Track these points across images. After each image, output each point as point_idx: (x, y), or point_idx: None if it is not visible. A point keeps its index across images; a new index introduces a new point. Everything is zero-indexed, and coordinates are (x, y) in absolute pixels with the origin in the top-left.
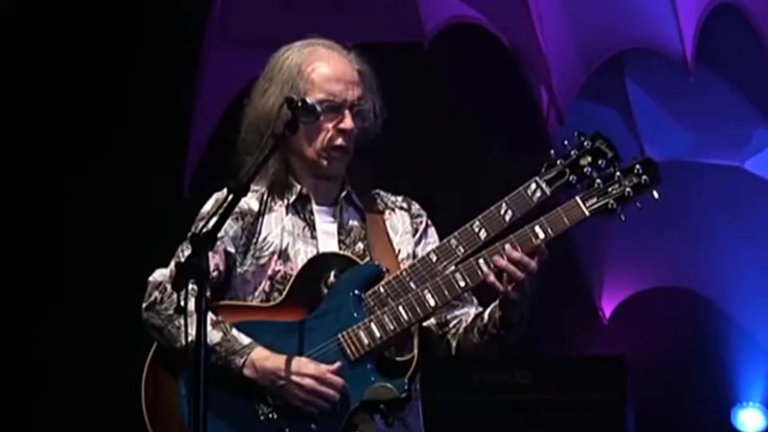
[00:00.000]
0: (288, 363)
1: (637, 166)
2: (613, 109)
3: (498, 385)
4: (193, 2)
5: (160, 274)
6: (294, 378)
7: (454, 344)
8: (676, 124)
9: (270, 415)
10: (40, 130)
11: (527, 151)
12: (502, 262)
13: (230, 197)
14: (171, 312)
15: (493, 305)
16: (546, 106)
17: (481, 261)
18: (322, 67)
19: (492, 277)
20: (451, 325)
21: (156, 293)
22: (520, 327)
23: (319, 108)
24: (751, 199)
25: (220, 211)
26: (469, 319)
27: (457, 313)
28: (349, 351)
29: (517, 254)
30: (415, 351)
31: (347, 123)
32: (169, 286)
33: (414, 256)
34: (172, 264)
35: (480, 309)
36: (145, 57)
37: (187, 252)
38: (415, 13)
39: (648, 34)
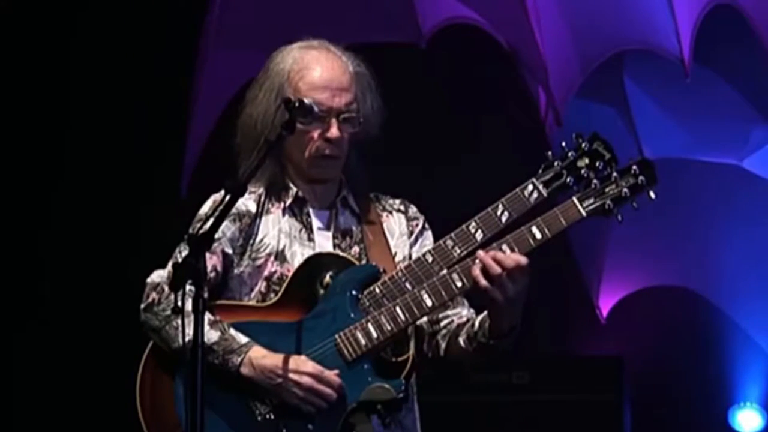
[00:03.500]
0: (286, 361)
1: (634, 167)
2: (612, 108)
3: (495, 386)
4: (192, 3)
5: (158, 276)
6: (292, 376)
7: (443, 345)
8: (675, 122)
9: (267, 416)
10: (38, 128)
11: (525, 152)
12: (481, 254)
13: (227, 198)
14: (168, 313)
15: (484, 314)
16: (544, 107)
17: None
18: (309, 75)
19: (482, 278)
20: (442, 324)
21: (153, 294)
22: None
23: (316, 108)
24: (750, 197)
25: (218, 212)
26: (461, 321)
27: (449, 312)
28: (346, 351)
29: (494, 252)
30: (411, 351)
31: (333, 132)
32: (166, 288)
33: (410, 258)
34: (170, 265)
35: (472, 311)
36: (143, 57)
37: (185, 253)
38: (412, 14)
39: (645, 35)
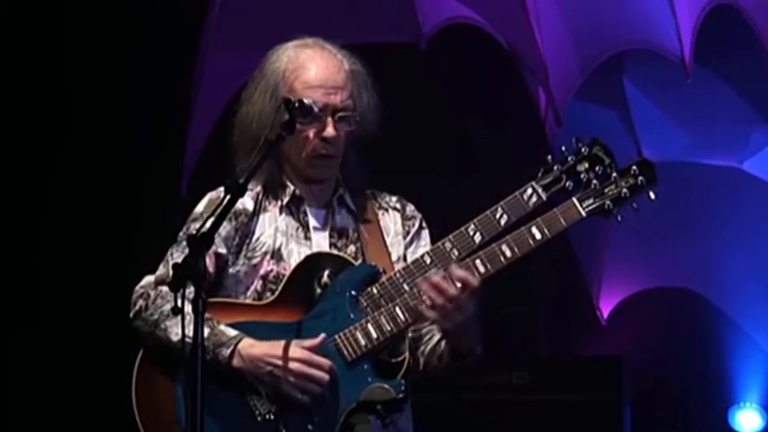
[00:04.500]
0: (275, 348)
1: (634, 167)
2: (611, 109)
3: (495, 386)
4: (192, 3)
5: (146, 282)
6: (281, 363)
7: (422, 361)
8: (674, 124)
9: (267, 416)
10: (37, 129)
11: (525, 153)
12: (422, 285)
13: (227, 198)
14: (156, 317)
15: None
16: (544, 108)
17: (477, 261)
18: (305, 75)
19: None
20: (423, 340)
21: (140, 302)
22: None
23: (315, 108)
24: (749, 199)
25: (217, 211)
26: (435, 339)
27: (432, 327)
28: (345, 352)
29: (436, 278)
30: (407, 353)
31: (329, 131)
32: (152, 293)
33: (405, 258)
34: (161, 268)
35: None
36: (143, 56)
37: (177, 255)
38: (412, 14)
39: (646, 35)
